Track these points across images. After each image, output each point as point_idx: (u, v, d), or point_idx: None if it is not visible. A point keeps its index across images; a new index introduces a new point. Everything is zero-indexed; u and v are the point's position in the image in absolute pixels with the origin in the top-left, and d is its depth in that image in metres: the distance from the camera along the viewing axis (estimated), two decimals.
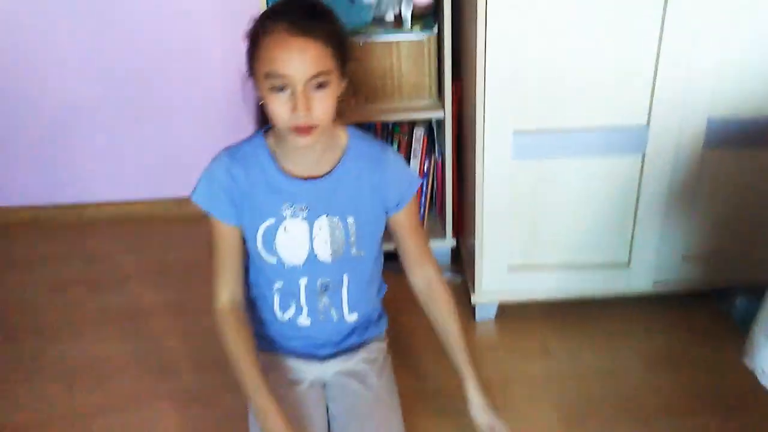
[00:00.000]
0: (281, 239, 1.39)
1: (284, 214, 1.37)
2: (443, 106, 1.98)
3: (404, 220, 1.47)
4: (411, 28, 1.90)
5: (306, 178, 1.36)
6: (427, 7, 1.93)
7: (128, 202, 2.67)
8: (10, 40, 2.37)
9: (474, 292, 1.98)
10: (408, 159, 2.09)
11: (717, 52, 1.63)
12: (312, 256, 1.41)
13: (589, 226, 1.86)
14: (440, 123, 2.04)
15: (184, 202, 2.57)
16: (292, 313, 1.47)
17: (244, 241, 1.43)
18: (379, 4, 1.92)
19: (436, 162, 2.14)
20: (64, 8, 2.31)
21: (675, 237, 1.87)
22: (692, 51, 1.62)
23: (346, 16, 1.85)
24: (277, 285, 1.45)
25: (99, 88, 2.45)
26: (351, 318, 1.50)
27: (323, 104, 1.22)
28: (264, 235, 1.39)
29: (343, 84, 1.29)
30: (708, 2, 1.56)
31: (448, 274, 2.21)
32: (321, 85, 1.20)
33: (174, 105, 2.49)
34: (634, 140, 1.73)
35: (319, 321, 1.48)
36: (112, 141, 2.56)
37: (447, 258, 2.27)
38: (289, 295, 1.46)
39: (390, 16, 1.93)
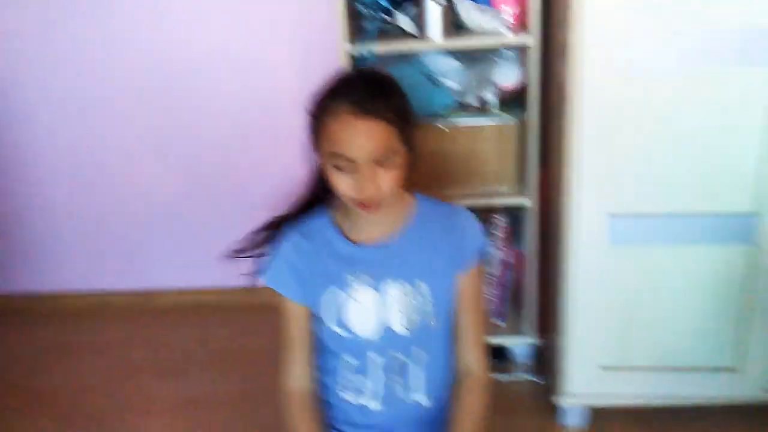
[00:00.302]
0: (351, 309, 1.30)
1: (351, 283, 1.30)
2: (528, 193, 1.90)
3: (467, 288, 1.33)
4: (496, 113, 1.87)
5: (373, 245, 1.30)
6: (512, 94, 1.89)
7: (197, 290, 2.64)
8: (89, 142, 2.48)
9: (559, 394, 1.82)
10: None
11: None
12: (386, 328, 1.31)
13: (692, 323, 1.70)
14: (524, 212, 1.96)
15: (253, 290, 2.57)
16: (361, 396, 1.36)
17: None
18: (463, 88, 1.89)
19: (518, 254, 2.04)
20: (134, 107, 2.42)
21: None
22: None
23: (429, 99, 1.86)
24: (348, 361, 1.35)
25: (170, 178, 2.50)
26: (426, 403, 1.37)
27: (388, 180, 1.17)
28: (333, 306, 1.31)
29: (409, 154, 1.23)
30: None
31: (529, 376, 2.05)
32: (386, 166, 1.16)
33: (246, 193, 2.49)
34: (742, 229, 1.59)
35: (390, 405, 1.36)
36: (183, 229, 2.58)
37: (528, 358, 2.11)
38: (360, 374, 1.35)
39: (474, 101, 1.90)
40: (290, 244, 1.32)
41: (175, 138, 2.46)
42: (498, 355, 2.10)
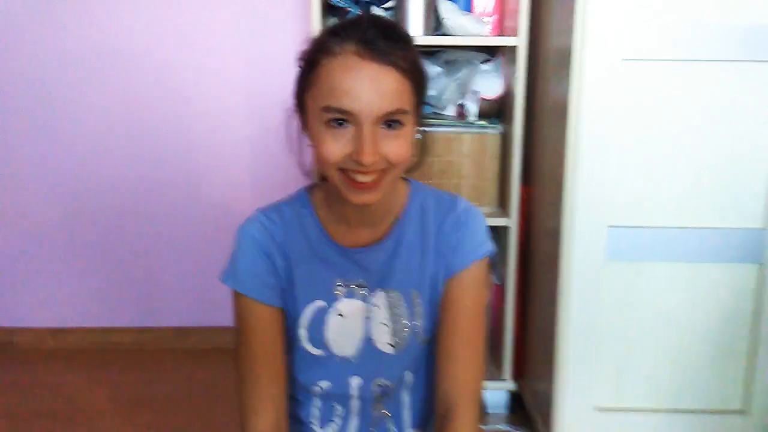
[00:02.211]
0: (334, 326, 1.03)
1: (337, 294, 1.03)
2: (508, 213, 1.71)
3: (456, 296, 1.03)
4: (476, 122, 1.71)
5: (362, 247, 1.04)
6: (492, 105, 1.74)
7: (111, 329, 2.29)
8: None
9: None
10: None
11: None
12: (368, 345, 1.04)
13: (696, 355, 1.50)
14: (502, 236, 1.76)
15: (176, 332, 2.28)
16: (335, 429, 1.07)
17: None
18: (440, 95, 1.73)
19: (494, 285, 1.82)
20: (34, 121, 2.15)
21: None
22: None
23: None
24: (322, 385, 1.06)
25: (67, 211, 2.22)
26: None
27: (394, 149, 0.90)
28: (312, 322, 1.03)
29: (416, 134, 1.01)
30: None
31: (506, 427, 1.78)
32: (394, 126, 0.90)
33: (168, 231, 2.24)
34: (749, 246, 1.44)
35: None
36: (96, 264, 2.26)
37: (504, 406, 1.85)
38: (335, 401, 1.07)
39: (451, 110, 1.74)
40: (258, 226, 1.02)
41: (65, 164, 2.20)
42: None
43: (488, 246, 1.05)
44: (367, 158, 0.87)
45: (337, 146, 0.89)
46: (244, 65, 2.09)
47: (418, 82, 0.94)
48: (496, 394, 1.83)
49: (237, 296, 1.02)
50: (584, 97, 1.39)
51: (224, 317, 1.04)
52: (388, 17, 1.10)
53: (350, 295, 1.03)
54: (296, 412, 1.08)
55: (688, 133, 1.41)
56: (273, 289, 1.02)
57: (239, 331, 1.03)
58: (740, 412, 1.51)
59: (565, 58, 1.43)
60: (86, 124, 2.14)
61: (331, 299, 1.03)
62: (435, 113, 1.75)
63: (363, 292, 1.03)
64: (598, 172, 1.42)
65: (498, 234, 1.78)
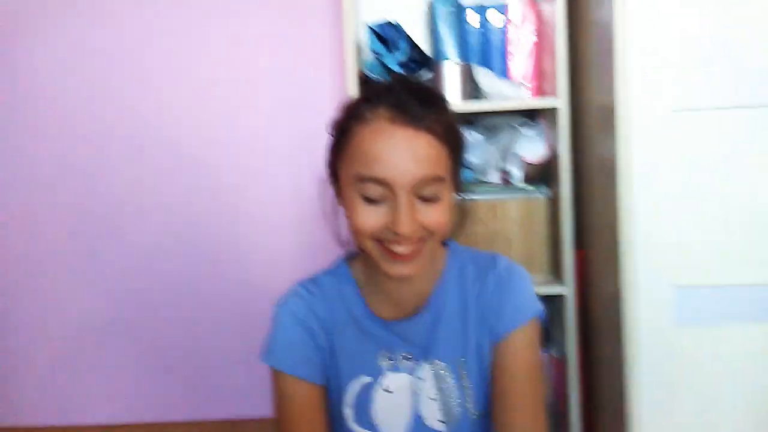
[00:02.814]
0: (381, 403, 0.97)
1: (383, 368, 0.97)
2: (564, 280, 1.61)
3: (507, 362, 0.95)
4: (522, 187, 1.64)
5: (403, 318, 0.98)
6: (536, 169, 1.67)
7: (163, 424, 2.20)
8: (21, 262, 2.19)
9: None
10: None
11: None
12: (417, 423, 0.97)
13: None
14: (559, 304, 1.65)
15: (232, 424, 2.18)
16: None
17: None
18: (482, 162, 1.67)
19: (553, 359, 1.70)
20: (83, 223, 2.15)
21: None
22: None
23: None
24: None
25: (117, 306, 2.19)
26: None
27: (434, 215, 0.86)
28: (358, 400, 0.97)
29: (455, 200, 0.96)
30: None
31: None
32: (431, 196, 0.86)
33: (217, 319, 2.18)
34: None
35: None
36: (145, 358, 2.20)
37: None
38: None
39: (495, 177, 1.68)
40: (300, 302, 0.99)
41: (120, 266, 2.17)
42: None
43: (536, 306, 0.98)
44: (405, 228, 0.83)
45: (372, 216, 0.86)
46: (287, 141, 2.09)
47: (454, 146, 0.90)
48: None
49: (277, 375, 0.98)
50: (634, 152, 1.32)
51: None
52: (422, 81, 1.08)
53: (396, 368, 0.97)
54: None
55: (752, 180, 1.31)
56: (315, 366, 0.97)
57: (280, 412, 0.98)
58: None
59: (610, 115, 1.37)
60: (128, 221, 2.15)
61: (377, 374, 0.96)
62: (478, 180, 1.69)
63: (409, 364, 0.96)
64: (658, 229, 1.33)
65: (553, 303, 1.68)
